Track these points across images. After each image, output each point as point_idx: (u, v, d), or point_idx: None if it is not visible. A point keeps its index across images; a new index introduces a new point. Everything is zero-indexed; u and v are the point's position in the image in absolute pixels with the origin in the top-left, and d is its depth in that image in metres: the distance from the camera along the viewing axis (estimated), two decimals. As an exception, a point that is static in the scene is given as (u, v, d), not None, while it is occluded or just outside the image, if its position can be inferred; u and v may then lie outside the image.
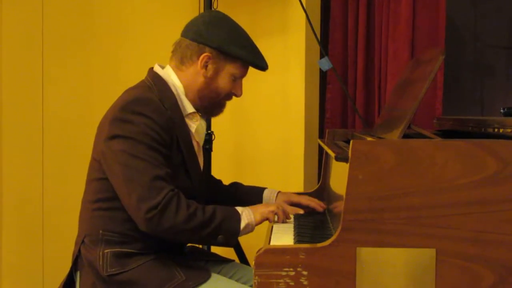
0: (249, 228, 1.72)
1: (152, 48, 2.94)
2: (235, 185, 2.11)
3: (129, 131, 1.62)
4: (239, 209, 1.73)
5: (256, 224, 1.75)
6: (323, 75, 2.87)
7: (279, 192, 2.04)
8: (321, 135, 2.83)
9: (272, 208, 1.80)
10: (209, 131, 2.61)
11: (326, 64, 2.49)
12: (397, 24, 2.59)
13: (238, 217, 1.70)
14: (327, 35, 2.84)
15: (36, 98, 2.99)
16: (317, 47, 2.72)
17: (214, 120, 2.63)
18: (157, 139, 1.63)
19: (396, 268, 1.41)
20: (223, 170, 2.90)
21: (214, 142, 2.65)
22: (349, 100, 2.68)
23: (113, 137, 1.64)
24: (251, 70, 1.89)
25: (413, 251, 1.41)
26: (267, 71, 1.86)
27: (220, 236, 1.67)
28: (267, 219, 1.78)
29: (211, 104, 1.82)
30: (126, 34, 3.04)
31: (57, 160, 3.02)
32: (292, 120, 2.83)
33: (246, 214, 1.72)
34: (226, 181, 2.15)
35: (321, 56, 2.60)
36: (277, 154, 2.89)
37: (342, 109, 2.82)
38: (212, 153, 2.65)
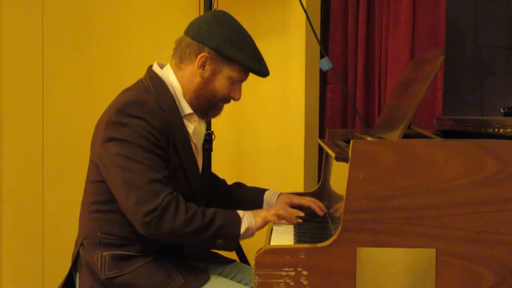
0: (250, 233, 1.69)
1: (152, 48, 2.94)
2: (237, 185, 2.09)
3: (125, 134, 1.60)
4: (241, 213, 1.71)
5: (257, 229, 1.72)
6: (323, 75, 2.86)
7: (280, 193, 2.02)
8: (321, 135, 2.83)
9: (273, 211, 1.77)
10: (209, 131, 2.61)
11: (326, 64, 2.48)
12: (397, 24, 2.59)
13: (238, 221, 1.68)
14: (327, 35, 2.84)
15: (36, 98, 2.99)
16: (317, 47, 2.72)
17: (214, 120, 2.62)
18: (153, 141, 1.62)
19: (396, 268, 1.42)
20: (223, 170, 2.89)
21: (214, 142, 2.64)
22: (349, 100, 2.68)
23: (109, 140, 1.62)
24: (252, 70, 1.88)
25: (413, 251, 1.41)
26: (268, 71, 1.84)
27: (219, 241, 1.65)
28: (268, 223, 1.76)
29: (207, 105, 1.78)
30: (126, 34, 3.03)
31: (57, 160, 3.01)
32: (292, 120, 2.83)
33: (247, 218, 1.69)
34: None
35: (321, 56, 2.59)
36: (277, 154, 2.89)
37: (342, 109, 2.82)
38: (212, 153, 2.65)
